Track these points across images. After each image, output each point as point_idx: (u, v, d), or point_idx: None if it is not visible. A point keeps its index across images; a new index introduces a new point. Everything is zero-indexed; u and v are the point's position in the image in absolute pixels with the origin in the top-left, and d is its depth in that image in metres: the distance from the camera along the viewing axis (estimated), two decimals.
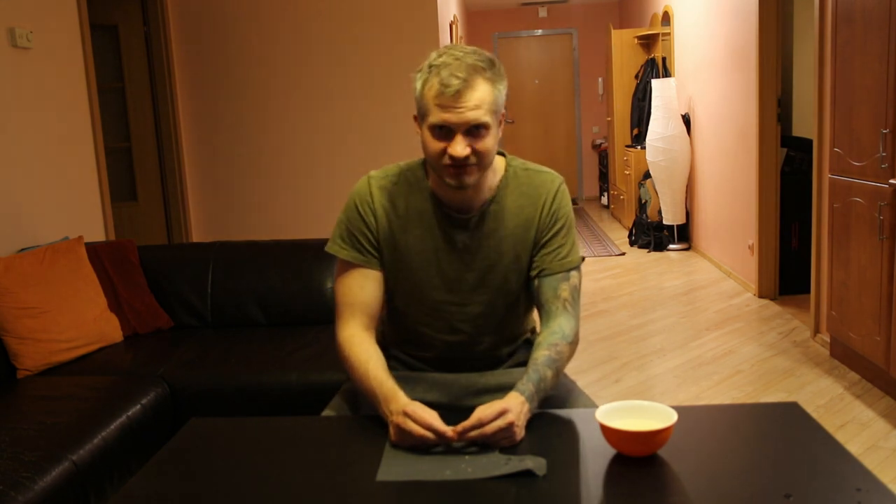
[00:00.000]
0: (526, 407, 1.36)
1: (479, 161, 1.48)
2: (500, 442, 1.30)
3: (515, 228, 1.58)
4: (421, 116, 1.50)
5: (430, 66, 1.46)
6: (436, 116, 1.45)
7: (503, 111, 1.52)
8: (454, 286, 1.59)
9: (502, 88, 1.49)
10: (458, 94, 1.42)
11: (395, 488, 1.20)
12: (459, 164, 1.46)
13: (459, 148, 1.44)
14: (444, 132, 1.45)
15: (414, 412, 1.32)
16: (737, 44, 5.11)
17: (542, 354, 1.47)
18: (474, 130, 1.45)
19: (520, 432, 1.32)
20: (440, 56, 1.47)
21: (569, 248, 1.59)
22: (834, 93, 3.52)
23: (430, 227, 1.58)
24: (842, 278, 3.48)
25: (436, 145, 1.47)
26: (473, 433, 1.29)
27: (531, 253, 1.60)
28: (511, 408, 1.32)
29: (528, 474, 1.21)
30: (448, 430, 1.30)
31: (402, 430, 1.32)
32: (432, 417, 1.31)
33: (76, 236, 3.10)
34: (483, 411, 1.30)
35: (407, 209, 1.59)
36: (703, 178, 6.13)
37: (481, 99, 1.44)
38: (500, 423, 1.29)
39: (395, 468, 1.26)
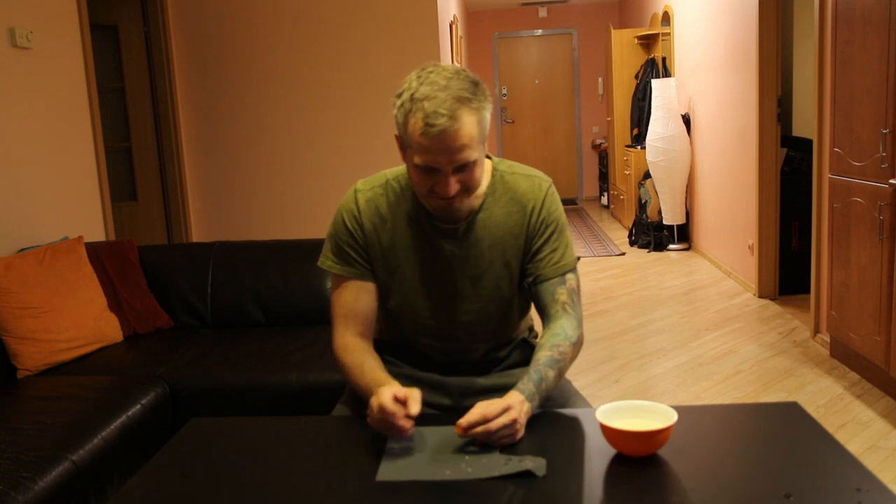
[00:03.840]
0: (526, 406, 1.35)
1: (468, 191, 1.46)
2: (502, 440, 1.30)
3: (505, 236, 1.56)
4: (404, 146, 1.45)
5: (413, 99, 1.36)
6: (422, 158, 1.38)
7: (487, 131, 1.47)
8: (445, 295, 1.58)
9: (488, 112, 1.42)
10: (444, 133, 1.34)
11: (395, 488, 1.20)
12: (449, 199, 1.44)
13: (451, 189, 1.41)
14: (432, 170, 1.41)
15: (380, 394, 1.31)
16: (737, 44, 5.10)
17: (543, 355, 1.46)
18: (462, 167, 1.41)
19: (520, 430, 1.32)
20: (421, 84, 1.37)
21: (562, 251, 1.57)
22: (834, 93, 3.51)
23: (417, 237, 1.56)
24: (842, 278, 3.48)
25: (423, 181, 1.43)
26: (478, 429, 1.29)
27: (522, 260, 1.58)
28: (513, 405, 1.31)
29: (527, 474, 1.21)
30: (412, 409, 1.30)
31: (372, 417, 1.34)
32: (393, 404, 1.30)
33: (76, 236, 3.10)
34: (486, 407, 1.30)
35: (394, 220, 1.57)
36: (703, 178, 6.13)
37: (469, 136, 1.37)
38: (503, 419, 1.29)
39: (395, 468, 1.26)
